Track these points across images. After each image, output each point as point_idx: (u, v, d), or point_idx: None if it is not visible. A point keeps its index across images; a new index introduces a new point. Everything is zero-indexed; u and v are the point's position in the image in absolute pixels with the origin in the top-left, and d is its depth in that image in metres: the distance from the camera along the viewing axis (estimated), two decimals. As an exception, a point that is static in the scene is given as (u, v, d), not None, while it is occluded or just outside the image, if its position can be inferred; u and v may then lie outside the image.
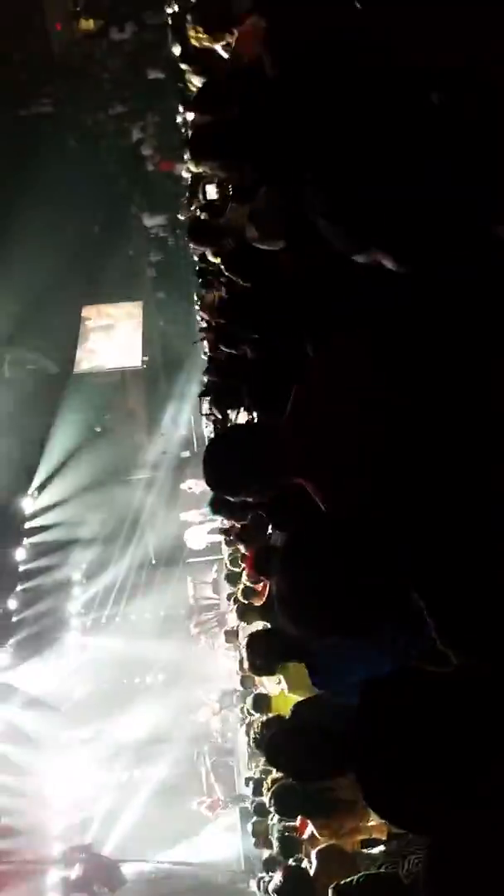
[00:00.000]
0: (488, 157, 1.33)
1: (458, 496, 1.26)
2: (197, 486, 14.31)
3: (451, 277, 1.47)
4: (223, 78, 3.64)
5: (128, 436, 17.69)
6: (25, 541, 16.08)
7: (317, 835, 3.30)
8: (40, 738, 14.08)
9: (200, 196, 6.29)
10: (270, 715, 5.32)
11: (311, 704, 2.94)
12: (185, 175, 8.63)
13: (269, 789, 4.87)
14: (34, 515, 16.18)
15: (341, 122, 1.53)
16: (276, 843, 4.51)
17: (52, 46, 18.07)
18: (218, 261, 4.73)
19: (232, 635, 9.51)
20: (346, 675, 2.08)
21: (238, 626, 7.94)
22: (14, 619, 15.31)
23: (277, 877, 4.07)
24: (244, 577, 6.05)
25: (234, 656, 9.75)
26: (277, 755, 3.16)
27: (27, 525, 16.13)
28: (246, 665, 5.38)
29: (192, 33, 4.13)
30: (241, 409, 5.01)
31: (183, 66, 4.88)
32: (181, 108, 8.44)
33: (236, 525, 5.85)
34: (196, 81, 4.63)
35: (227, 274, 3.79)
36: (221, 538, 10.43)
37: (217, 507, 4.71)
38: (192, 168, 7.07)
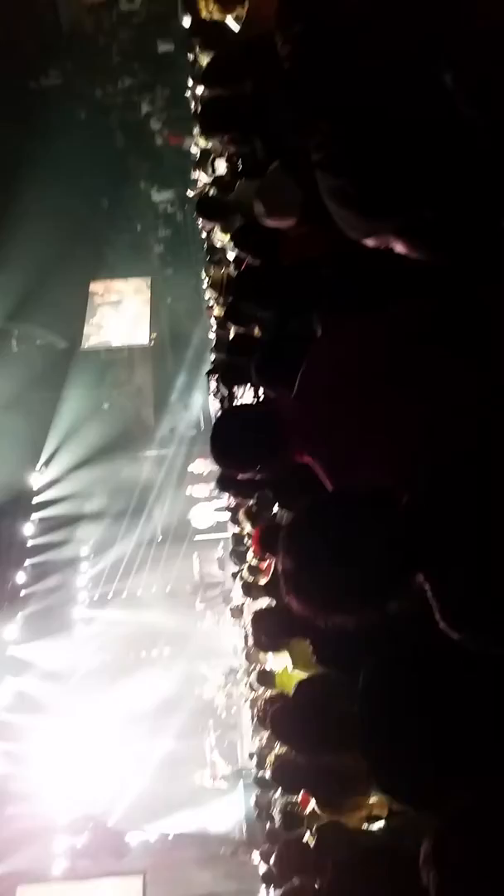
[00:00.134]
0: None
1: (464, 476, 1.26)
2: (205, 465, 14.31)
3: (464, 263, 1.46)
4: (234, 51, 3.59)
5: (135, 412, 17.69)
6: (34, 516, 16.18)
7: (318, 811, 3.34)
8: (48, 709, 14.25)
9: (210, 171, 6.24)
10: (275, 691, 5.36)
11: (316, 681, 2.96)
12: (194, 150, 8.52)
13: (272, 764, 4.93)
14: (42, 491, 16.27)
15: (353, 101, 1.51)
16: (278, 817, 4.56)
17: (60, 18, 17.83)
18: (227, 237, 4.70)
19: (237, 612, 9.58)
20: (350, 652, 2.09)
21: (243, 603, 7.99)
22: (22, 593, 15.45)
23: (278, 849, 4.13)
24: (250, 555, 6.08)
25: (239, 632, 9.81)
26: (281, 731, 3.20)
27: (35, 500, 16.22)
28: (251, 641, 5.43)
29: (202, 4, 4.07)
30: (249, 386, 5.00)
31: (193, 39, 4.82)
32: (191, 82, 8.32)
33: (242, 503, 5.87)
34: (205, 54, 4.57)
35: (235, 250, 3.77)
36: (227, 516, 10.45)
37: (224, 484, 4.72)
38: (202, 143, 7.01)
